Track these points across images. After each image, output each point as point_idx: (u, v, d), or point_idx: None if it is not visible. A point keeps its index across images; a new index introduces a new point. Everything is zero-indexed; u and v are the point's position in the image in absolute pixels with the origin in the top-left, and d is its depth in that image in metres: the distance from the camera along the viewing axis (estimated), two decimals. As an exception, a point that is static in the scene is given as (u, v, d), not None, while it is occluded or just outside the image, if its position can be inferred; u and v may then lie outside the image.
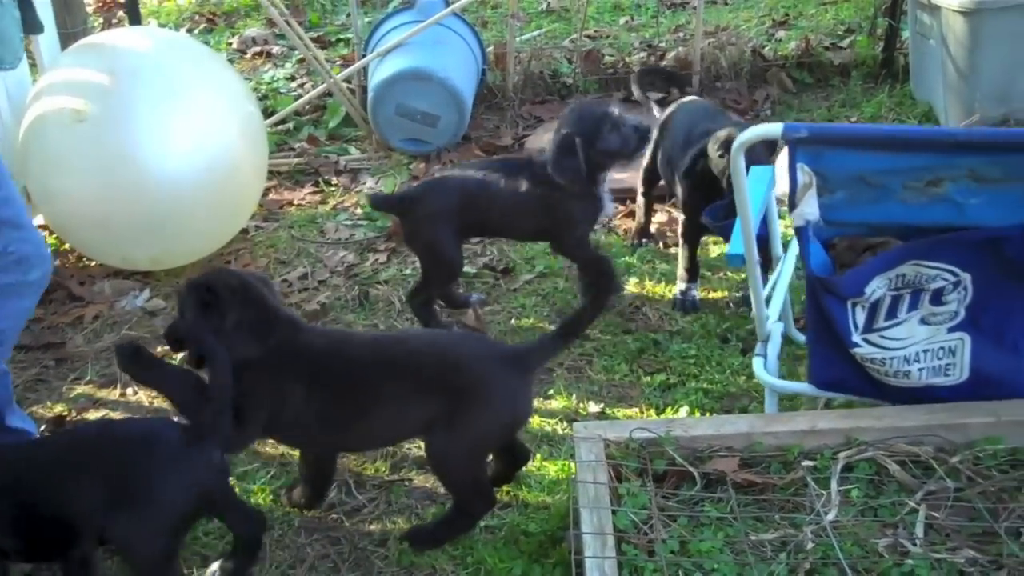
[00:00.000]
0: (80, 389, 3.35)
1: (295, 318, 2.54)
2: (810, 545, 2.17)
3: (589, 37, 5.89)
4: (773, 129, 2.30)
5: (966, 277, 2.35)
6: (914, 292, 2.40)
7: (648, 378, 3.22)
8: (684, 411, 3.02)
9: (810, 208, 2.35)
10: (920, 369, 2.44)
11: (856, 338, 2.46)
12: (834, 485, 2.30)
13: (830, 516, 2.23)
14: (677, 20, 6.15)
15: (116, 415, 3.20)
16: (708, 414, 3.00)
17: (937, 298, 2.39)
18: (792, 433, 2.43)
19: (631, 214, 4.26)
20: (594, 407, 3.10)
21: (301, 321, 2.56)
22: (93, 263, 4.05)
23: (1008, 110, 4.48)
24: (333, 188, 4.69)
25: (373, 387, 2.41)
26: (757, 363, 2.72)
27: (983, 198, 2.24)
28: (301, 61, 5.91)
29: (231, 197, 3.90)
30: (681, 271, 3.63)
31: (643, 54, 5.60)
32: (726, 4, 6.40)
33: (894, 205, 2.32)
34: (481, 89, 5.26)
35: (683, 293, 3.58)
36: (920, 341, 2.43)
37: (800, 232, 2.40)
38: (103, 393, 3.33)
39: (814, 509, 2.26)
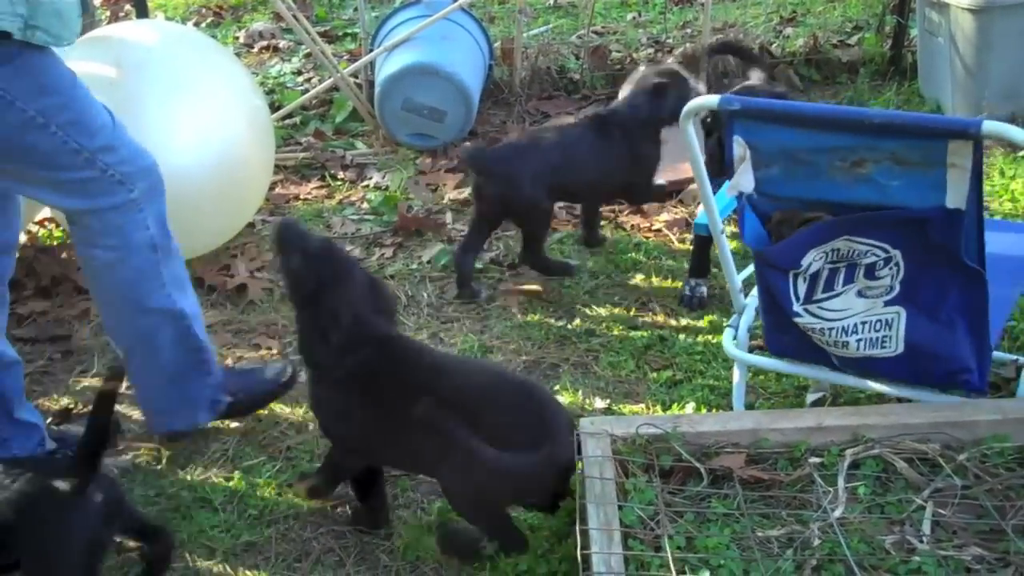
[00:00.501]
0: (86, 382, 3.35)
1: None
2: (817, 542, 2.17)
3: (596, 33, 5.89)
4: (711, 100, 2.39)
5: (896, 253, 2.38)
6: (849, 266, 2.45)
7: (655, 374, 3.21)
8: (691, 407, 3.01)
9: (745, 180, 2.43)
10: (858, 340, 2.48)
11: (797, 308, 2.52)
12: (841, 482, 2.30)
13: (837, 513, 2.23)
14: (685, 16, 6.15)
15: (122, 408, 3.20)
16: (715, 410, 3.00)
17: (871, 272, 2.43)
18: (799, 430, 2.43)
19: (638, 210, 4.26)
20: (600, 403, 3.09)
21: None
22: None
23: (1016, 108, 4.48)
24: (339, 183, 4.69)
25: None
26: (727, 335, 2.77)
27: (904, 180, 2.27)
28: (308, 55, 5.91)
29: (238, 191, 3.90)
30: (690, 267, 3.63)
31: (650, 50, 5.59)
32: (734, 1, 6.38)
33: (824, 183, 2.37)
34: (488, 84, 5.26)
35: (691, 289, 3.58)
36: (858, 313, 2.47)
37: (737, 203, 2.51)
38: (109, 386, 3.33)
39: (821, 506, 2.26)
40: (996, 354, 2.84)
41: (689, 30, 5.79)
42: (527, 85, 5.27)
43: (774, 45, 5.44)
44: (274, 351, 3.48)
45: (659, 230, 4.09)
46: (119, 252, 2.70)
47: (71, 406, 3.23)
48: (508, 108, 5.22)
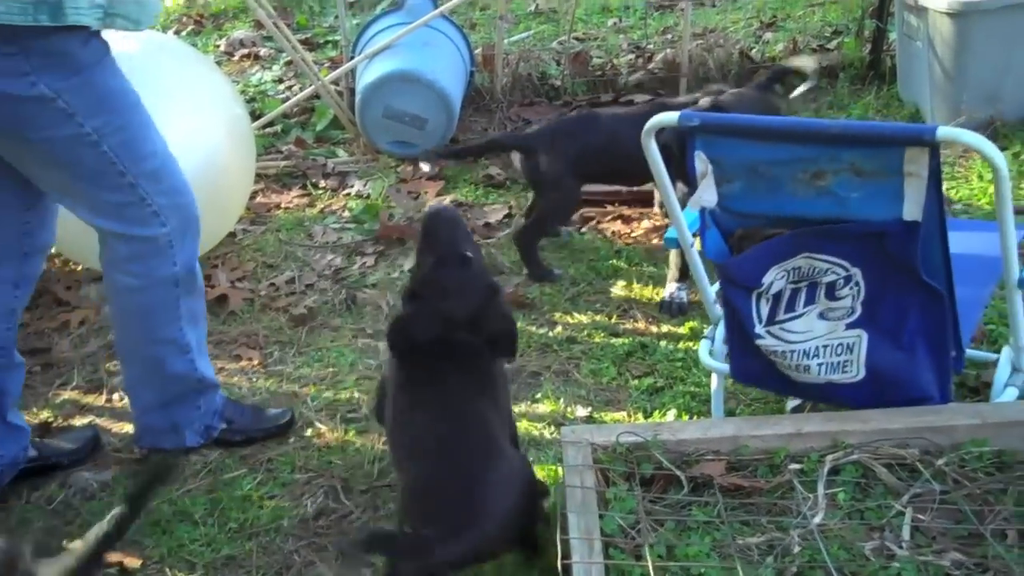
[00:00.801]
0: (66, 395, 3.34)
1: None
2: (797, 548, 2.17)
3: (577, 39, 5.90)
4: (671, 117, 2.36)
5: (856, 272, 2.37)
6: (810, 285, 2.44)
7: (636, 381, 3.21)
8: (672, 414, 3.02)
9: (707, 195, 2.41)
10: (819, 364, 2.47)
11: (760, 329, 2.50)
12: (821, 488, 2.30)
13: (817, 519, 2.23)
14: (665, 22, 6.16)
15: (102, 421, 3.19)
16: (696, 417, 3.00)
17: (831, 292, 2.42)
18: (778, 436, 2.43)
19: (619, 217, 4.26)
20: (582, 411, 3.09)
21: None
22: (79, 267, 4.04)
23: (995, 111, 4.50)
24: (321, 191, 4.69)
25: None
26: (703, 346, 2.76)
27: (863, 192, 2.27)
28: (289, 63, 5.90)
29: (218, 200, 3.88)
30: (670, 273, 3.64)
31: (631, 56, 5.60)
32: (714, 6, 6.41)
33: (786, 196, 2.36)
34: (469, 91, 5.26)
35: (671, 296, 3.58)
36: (820, 336, 2.45)
37: (699, 218, 2.50)
38: (89, 399, 3.32)
39: (801, 512, 2.26)
40: (974, 353, 2.86)
41: (670, 35, 5.81)
42: (508, 91, 5.28)
43: (754, 50, 5.45)
44: (255, 362, 3.47)
45: (640, 236, 4.10)
46: (141, 280, 2.74)
47: (51, 419, 3.22)
48: (490, 115, 5.23)
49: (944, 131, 2.10)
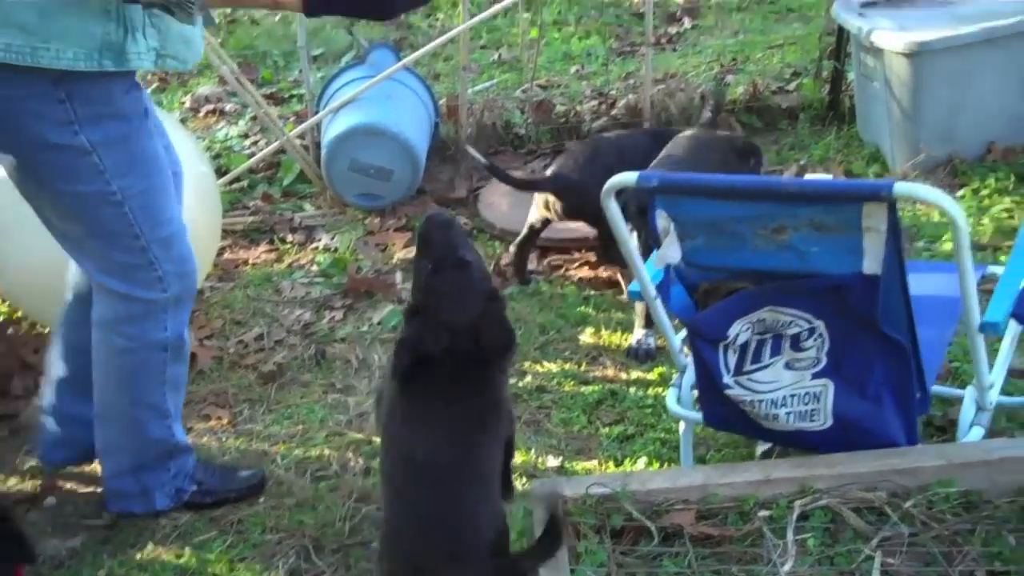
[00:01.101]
0: (33, 462, 3.30)
1: None
2: (769, 597, 2.17)
3: (540, 87, 5.94)
4: (629, 178, 2.39)
5: (820, 324, 2.41)
6: (775, 337, 2.47)
7: (606, 429, 3.22)
8: (643, 462, 3.02)
9: (671, 251, 2.46)
10: (788, 413, 2.49)
11: (728, 380, 2.53)
12: (790, 535, 2.31)
13: (787, 567, 2.23)
14: (627, 68, 6.21)
15: (70, 486, 3.16)
16: (667, 464, 3.01)
17: (796, 344, 2.45)
18: (747, 483, 2.44)
19: (586, 263, 4.29)
20: (553, 460, 3.10)
21: None
22: (47, 330, 4.01)
23: (952, 149, 4.57)
24: (288, 246, 4.69)
25: None
26: (671, 395, 2.78)
27: (824, 246, 2.31)
28: (254, 119, 5.91)
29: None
30: (637, 320, 3.66)
31: (594, 102, 5.65)
32: (675, 50, 6.48)
33: (748, 251, 2.40)
34: (434, 142, 5.28)
35: (638, 342, 3.60)
36: (787, 385, 2.48)
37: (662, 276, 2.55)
38: (57, 464, 3.29)
39: (771, 560, 2.26)
40: (940, 390, 2.88)
41: (632, 81, 5.86)
42: (473, 141, 5.29)
43: (709, 90, 5.49)
44: (224, 420, 3.45)
45: (608, 282, 4.12)
46: (132, 343, 2.75)
47: (17, 487, 3.18)
48: (455, 164, 5.25)
49: (900, 187, 2.13)
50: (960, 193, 4.38)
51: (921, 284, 2.57)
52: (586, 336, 3.76)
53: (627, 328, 3.75)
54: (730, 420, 2.63)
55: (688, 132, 3.94)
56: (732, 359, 2.51)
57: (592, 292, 4.06)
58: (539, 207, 4.10)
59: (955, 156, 4.57)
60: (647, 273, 2.63)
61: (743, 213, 2.37)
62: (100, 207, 2.54)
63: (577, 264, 4.29)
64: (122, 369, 2.81)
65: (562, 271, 4.25)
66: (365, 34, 6.61)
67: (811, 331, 2.43)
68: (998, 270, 2.82)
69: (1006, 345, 2.75)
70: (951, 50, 4.42)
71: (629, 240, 2.54)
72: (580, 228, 4.22)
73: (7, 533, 2.31)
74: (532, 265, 4.31)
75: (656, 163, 3.66)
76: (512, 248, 4.24)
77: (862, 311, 2.35)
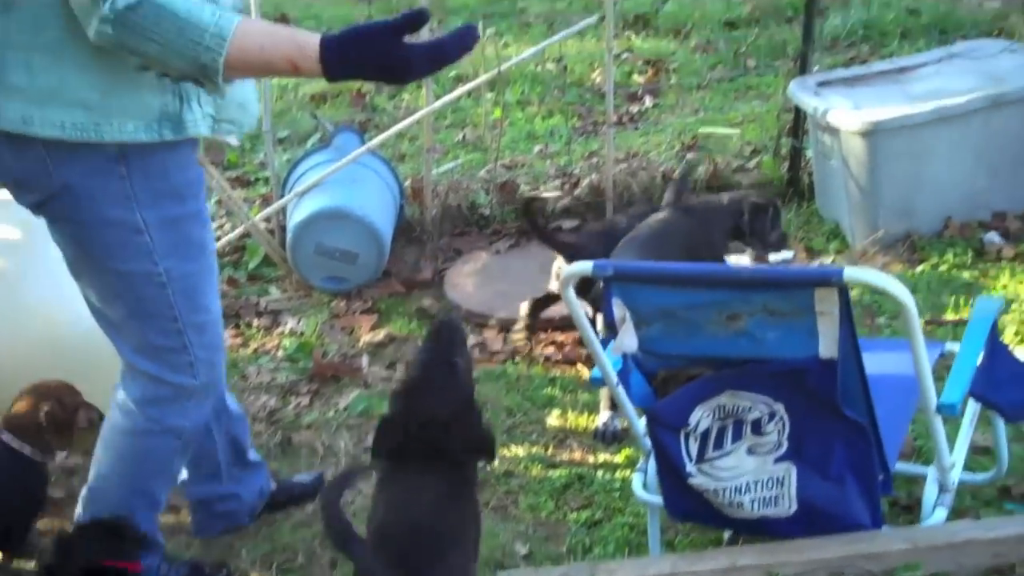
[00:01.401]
0: (-7, 558, 3.25)
1: None
2: None
3: (505, 167, 5.99)
4: (585, 267, 2.43)
5: (780, 407, 2.43)
6: (736, 422, 2.50)
7: (574, 514, 3.21)
8: (611, 548, 3.01)
9: (628, 340, 2.48)
10: (752, 500, 2.50)
11: (691, 468, 2.54)
12: (759, 623, 2.31)
13: (757, 656, 2.23)
14: (590, 146, 6.28)
15: None
16: (636, 549, 3.00)
17: (758, 428, 2.48)
18: (714, 572, 2.44)
19: (552, 343, 4.30)
20: (521, 548, 3.08)
21: None
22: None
23: (910, 226, 4.65)
24: (254, 330, 4.67)
25: None
26: (636, 479, 2.78)
27: (779, 332, 2.35)
28: (219, 202, 5.92)
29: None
30: (603, 402, 3.67)
31: (557, 181, 5.70)
32: (636, 129, 6.57)
33: (704, 338, 2.43)
34: (399, 223, 5.31)
35: (604, 424, 3.61)
36: (749, 471, 2.50)
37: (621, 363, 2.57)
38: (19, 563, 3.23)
39: (741, 649, 2.26)
40: (904, 468, 2.90)
41: (595, 159, 5.92)
42: (439, 222, 5.32)
43: (676, 172, 5.55)
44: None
45: (574, 362, 4.13)
46: (149, 425, 2.75)
47: None
48: (421, 246, 5.27)
49: (850, 273, 2.18)
50: (919, 268, 4.45)
51: (881, 362, 2.61)
52: (553, 418, 3.77)
53: (593, 409, 3.76)
54: (694, 510, 2.64)
55: (660, 215, 3.96)
56: (694, 447, 2.52)
57: (558, 373, 4.07)
58: (554, 275, 4.13)
59: (913, 232, 4.65)
60: (608, 359, 2.65)
61: (697, 301, 2.41)
62: (144, 287, 2.57)
63: (543, 344, 4.31)
64: (134, 450, 2.81)
65: (529, 351, 4.26)
66: (330, 117, 6.67)
67: (771, 415, 2.45)
68: (956, 347, 2.86)
69: (966, 424, 2.78)
70: (905, 129, 4.52)
71: (588, 328, 2.56)
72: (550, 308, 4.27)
73: None
74: (498, 346, 4.33)
75: (620, 246, 3.70)
76: (524, 307, 4.25)
77: (821, 394, 2.38)
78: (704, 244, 3.82)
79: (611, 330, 2.53)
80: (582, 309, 2.59)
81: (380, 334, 4.47)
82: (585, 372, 4.03)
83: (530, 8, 8.77)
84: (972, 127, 4.60)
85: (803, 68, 5.25)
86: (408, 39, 2.24)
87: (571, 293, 2.50)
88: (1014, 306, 4.10)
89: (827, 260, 4.72)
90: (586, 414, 3.76)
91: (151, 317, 2.62)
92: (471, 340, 4.29)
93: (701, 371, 2.54)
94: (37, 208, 2.55)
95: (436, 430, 2.41)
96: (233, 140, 2.68)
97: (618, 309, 2.48)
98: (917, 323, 2.25)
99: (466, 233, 5.38)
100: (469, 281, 4.85)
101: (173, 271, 2.57)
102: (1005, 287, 4.29)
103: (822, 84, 4.96)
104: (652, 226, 3.81)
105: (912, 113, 4.52)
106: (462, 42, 2.22)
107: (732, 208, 3.94)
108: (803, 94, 4.90)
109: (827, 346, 2.31)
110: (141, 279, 2.56)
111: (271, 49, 2.22)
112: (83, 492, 2.92)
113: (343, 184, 4.96)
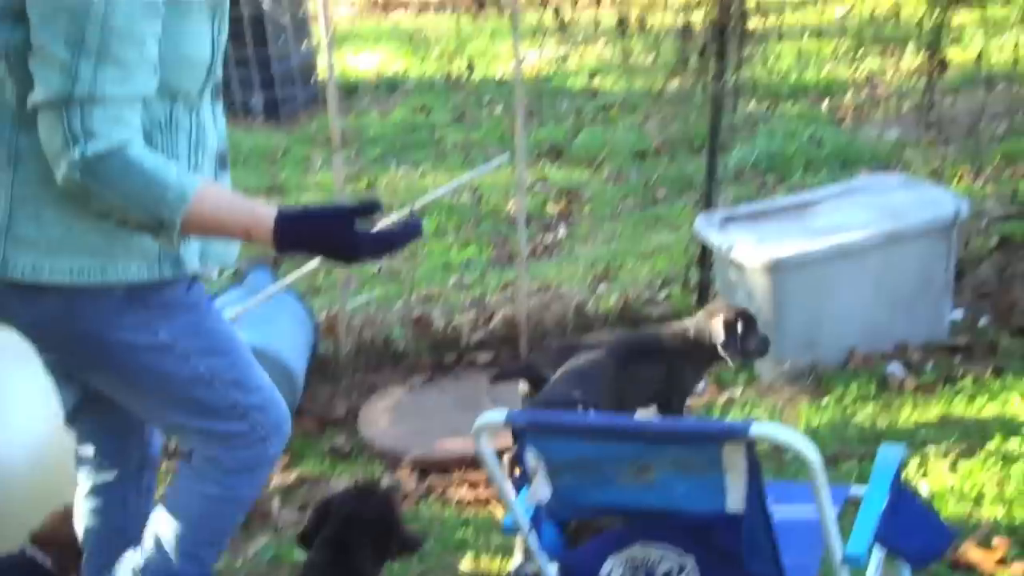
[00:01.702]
0: None
1: None
2: None
3: (420, 299, 6.01)
4: (498, 416, 2.45)
5: (689, 560, 2.45)
6: (647, 574, 2.50)
7: (487, 669, 3.16)
8: None
9: (542, 490, 2.48)
10: None
11: None
12: None
13: None
14: (506, 277, 6.34)
15: None
16: None
17: None
18: None
19: (465, 482, 4.27)
20: None
21: None
22: None
23: (814, 358, 4.76)
24: (162, 473, 4.55)
25: None
26: None
27: (688, 485, 2.37)
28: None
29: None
30: (517, 544, 3.64)
31: (472, 313, 5.73)
32: (551, 258, 6.66)
33: (616, 490, 2.45)
34: (313, 360, 5.28)
35: (517, 570, 3.57)
36: None
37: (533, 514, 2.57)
38: None
39: None
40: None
41: (510, 290, 5.97)
42: (353, 357, 5.31)
43: (588, 304, 5.63)
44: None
45: (487, 502, 4.10)
46: (222, 491, 2.79)
47: None
48: (335, 382, 5.23)
49: (758, 428, 2.21)
50: (824, 401, 4.53)
51: (788, 509, 2.64)
52: (465, 563, 3.72)
53: (507, 552, 3.73)
54: None
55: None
56: None
57: (471, 514, 4.04)
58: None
59: (818, 363, 4.75)
60: (521, 507, 2.65)
61: (608, 453, 2.42)
62: (194, 389, 2.64)
63: (455, 484, 4.28)
64: (193, 509, 2.82)
65: (440, 492, 4.23)
66: (244, 254, 6.64)
67: (681, 568, 2.46)
68: (861, 490, 2.91)
69: (872, 571, 2.80)
70: (807, 264, 4.66)
71: (501, 479, 2.56)
72: (461, 446, 4.24)
73: None
74: (411, 486, 4.29)
75: (553, 381, 3.67)
76: None
77: (728, 548, 2.39)
78: (673, 386, 3.80)
79: (524, 479, 2.54)
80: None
81: (291, 475, 4.41)
82: (500, 512, 4.00)
83: (446, 138, 8.93)
84: (871, 261, 4.76)
85: (708, 203, 5.41)
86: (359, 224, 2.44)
87: (483, 443, 2.50)
88: (917, 438, 4.19)
89: (736, 391, 4.79)
90: (500, 557, 3.73)
91: (212, 411, 2.69)
92: (384, 480, 4.25)
93: (613, 521, 2.55)
94: (60, 358, 2.72)
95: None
96: (214, 275, 2.80)
97: (532, 459, 2.48)
98: (823, 477, 2.29)
99: (380, 368, 5.37)
100: (383, 418, 4.83)
101: (216, 367, 2.65)
102: (908, 418, 4.38)
103: (727, 219, 5.10)
104: (599, 363, 3.73)
105: (813, 249, 4.66)
106: (407, 233, 2.49)
107: (701, 339, 3.79)
108: (709, 230, 5.03)
109: (734, 500, 2.33)
110: (187, 383, 2.64)
111: (227, 215, 2.41)
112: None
113: (256, 323, 4.92)
